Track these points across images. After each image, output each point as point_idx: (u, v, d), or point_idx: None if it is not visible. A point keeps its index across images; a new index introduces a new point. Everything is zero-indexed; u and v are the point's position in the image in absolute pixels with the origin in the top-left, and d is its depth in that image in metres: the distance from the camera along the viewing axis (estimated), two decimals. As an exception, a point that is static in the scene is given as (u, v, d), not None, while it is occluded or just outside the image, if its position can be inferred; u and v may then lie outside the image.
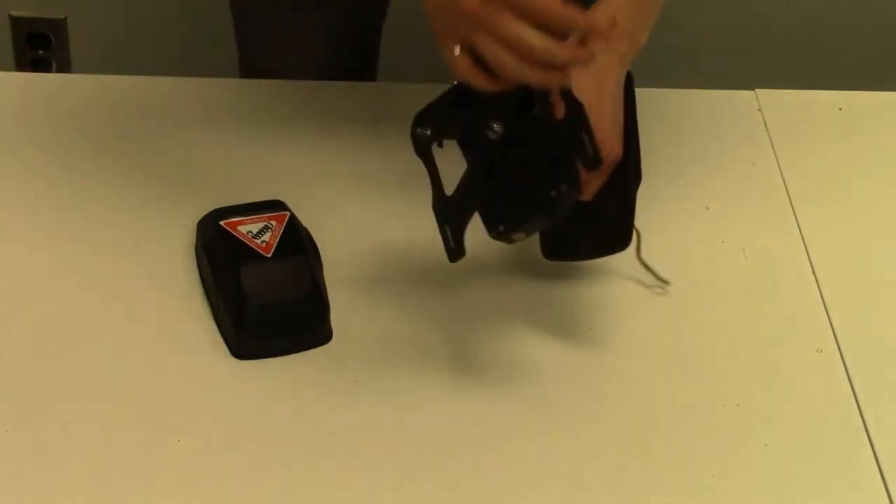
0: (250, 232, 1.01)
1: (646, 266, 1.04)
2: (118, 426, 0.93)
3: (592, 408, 0.97)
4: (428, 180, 0.91)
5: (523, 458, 0.93)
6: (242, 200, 1.05)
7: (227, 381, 0.97)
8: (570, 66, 0.84)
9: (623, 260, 1.03)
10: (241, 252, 1.00)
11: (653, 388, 0.99)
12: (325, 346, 1.00)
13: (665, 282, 1.05)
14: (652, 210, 1.05)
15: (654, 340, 1.02)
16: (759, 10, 2.03)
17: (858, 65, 2.06)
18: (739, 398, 0.98)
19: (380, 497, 0.90)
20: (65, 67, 2.09)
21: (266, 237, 1.01)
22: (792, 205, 1.16)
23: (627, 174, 0.96)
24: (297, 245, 1.02)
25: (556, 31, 0.83)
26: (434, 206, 0.91)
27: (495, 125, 0.86)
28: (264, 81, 1.28)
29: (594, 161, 0.86)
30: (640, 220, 1.01)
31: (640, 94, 1.01)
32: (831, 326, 1.04)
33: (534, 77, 0.83)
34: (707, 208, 1.15)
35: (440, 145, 0.89)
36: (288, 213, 1.03)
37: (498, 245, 1.07)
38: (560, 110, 0.87)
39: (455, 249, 0.90)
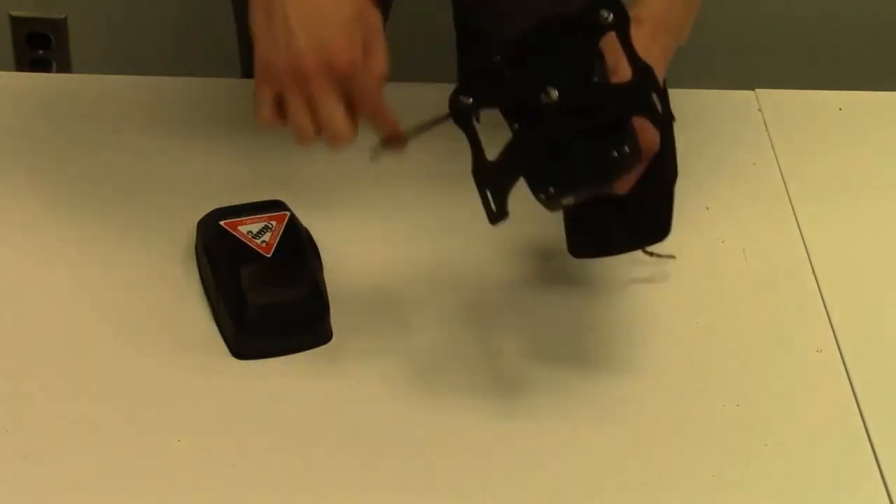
0: (250, 232, 1.01)
1: (649, 253, 1.03)
2: (118, 426, 0.93)
3: (592, 407, 0.97)
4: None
5: (523, 458, 0.93)
6: (242, 200, 1.05)
7: (227, 381, 0.97)
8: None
9: (623, 260, 1.03)
10: (241, 252, 1.00)
11: (653, 388, 0.99)
12: (325, 346, 1.00)
13: (671, 256, 1.04)
14: (652, 210, 1.05)
15: (654, 340, 1.02)
16: (759, 10, 2.03)
17: (858, 65, 2.06)
18: (739, 398, 0.98)
19: (380, 497, 0.90)
20: (65, 67, 2.09)
21: (266, 237, 1.01)
22: (792, 205, 1.16)
23: (664, 165, 0.96)
24: (297, 245, 1.02)
25: (367, 117, 0.91)
26: (474, 172, 0.90)
27: (551, 90, 0.87)
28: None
29: (666, 119, 0.87)
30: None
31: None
32: (831, 326, 1.04)
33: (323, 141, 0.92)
34: (707, 208, 1.15)
35: (477, 119, 0.90)
36: (288, 213, 1.03)
37: (498, 245, 1.07)
38: (623, 77, 0.87)
39: (497, 213, 0.89)
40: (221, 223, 1.02)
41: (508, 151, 0.89)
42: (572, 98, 0.87)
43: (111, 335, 1.00)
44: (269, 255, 1.00)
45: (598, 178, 0.88)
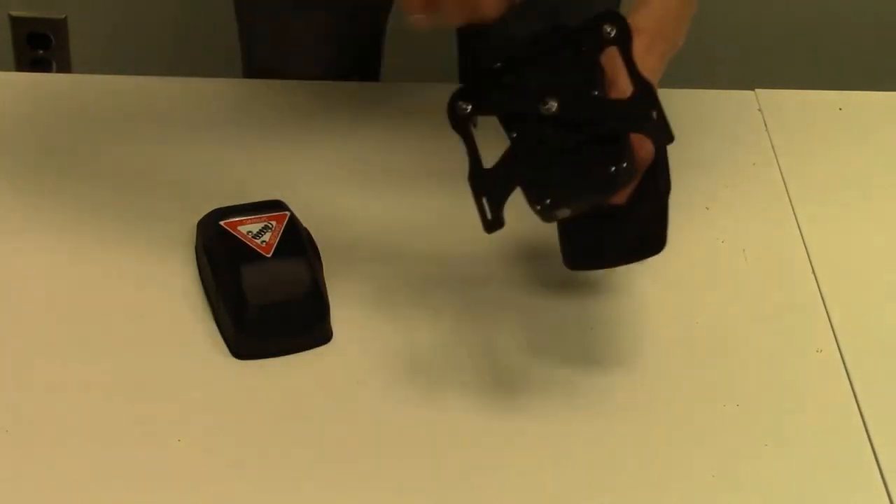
0: (250, 232, 1.01)
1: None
2: (118, 426, 0.93)
3: (592, 407, 0.97)
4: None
5: (523, 457, 0.93)
6: (242, 200, 1.05)
7: (227, 381, 0.97)
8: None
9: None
10: (241, 252, 1.00)
11: (653, 387, 0.99)
12: (325, 346, 1.00)
13: None
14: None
15: (654, 340, 1.02)
16: (759, 10, 2.04)
17: (858, 65, 2.06)
18: (739, 398, 0.98)
19: (380, 497, 0.90)
20: (65, 67, 2.09)
21: (266, 237, 1.01)
22: (792, 205, 1.16)
23: (657, 177, 0.97)
24: (297, 245, 1.02)
25: None
26: (470, 178, 0.90)
27: (550, 101, 0.87)
28: (265, 81, 1.28)
29: (666, 137, 0.87)
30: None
31: (640, 94, 1.01)
32: (831, 326, 1.04)
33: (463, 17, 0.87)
34: (707, 208, 1.15)
35: (475, 125, 0.90)
36: (288, 213, 1.03)
37: (499, 246, 1.07)
38: (623, 90, 0.87)
39: (492, 221, 0.89)
40: (221, 223, 1.02)
41: (505, 161, 0.89)
42: (572, 110, 0.87)
43: (111, 335, 1.00)
44: (269, 255, 1.00)
45: (595, 192, 0.88)
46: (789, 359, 1.02)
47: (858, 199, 1.18)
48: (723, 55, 1.98)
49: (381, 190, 1.13)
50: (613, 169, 0.87)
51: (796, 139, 1.24)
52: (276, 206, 1.04)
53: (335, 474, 0.91)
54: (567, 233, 0.98)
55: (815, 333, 1.04)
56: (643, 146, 0.90)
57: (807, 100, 1.30)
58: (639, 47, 0.87)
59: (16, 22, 2.07)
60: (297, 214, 1.04)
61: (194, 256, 1.05)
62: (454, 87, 0.90)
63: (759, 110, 1.27)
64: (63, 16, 2.06)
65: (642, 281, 1.06)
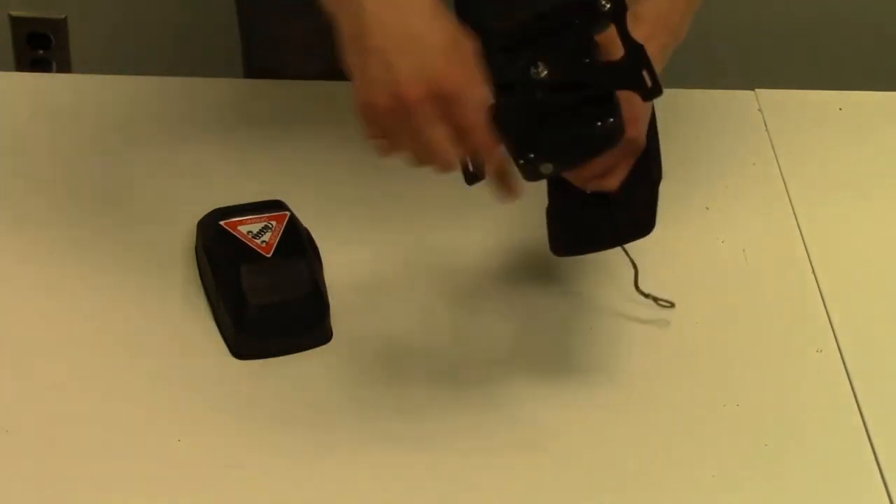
0: (250, 232, 1.01)
1: (646, 294, 1.03)
2: (118, 426, 0.93)
3: (592, 408, 0.97)
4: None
5: (522, 458, 0.93)
6: (242, 200, 1.05)
7: (227, 381, 0.97)
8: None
9: (623, 261, 1.03)
10: (241, 252, 1.00)
11: (653, 388, 0.99)
12: (325, 346, 1.00)
13: (670, 303, 1.04)
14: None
15: (654, 340, 1.02)
16: (759, 10, 2.03)
17: (858, 65, 2.05)
18: (739, 398, 0.98)
19: (380, 496, 0.90)
20: (65, 67, 2.09)
21: (266, 237, 1.01)
22: (792, 205, 1.16)
23: (650, 165, 0.96)
24: (297, 245, 1.02)
25: (473, 145, 0.86)
26: None
27: (541, 65, 0.87)
28: (265, 81, 1.28)
29: (654, 91, 0.87)
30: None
31: (640, 93, 1.01)
32: (831, 326, 1.04)
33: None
34: (707, 208, 1.15)
35: None
36: (288, 213, 1.03)
37: (500, 248, 1.07)
38: (615, 52, 0.87)
39: (474, 174, 0.89)
40: (221, 223, 1.02)
41: (492, 116, 0.89)
42: (562, 73, 0.87)
43: (111, 335, 1.00)
44: (269, 255, 1.00)
45: (580, 148, 0.89)
46: (789, 359, 1.02)
47: (858, 199, 1.18)
48: (723, 55, 1.98)
49: (382, 190, 1.13)
50: (599, 124, 0.87)
51: (796, 139, 1.24)
52: (276, 206, 1.04)
53: (335, 474, 0.91)
54: (558, 219, 0.99)
55: (815, 333, 1.04)
56: (634, 126, 0.90)
57: (807, 100, 1.30)
58: (639, 36, 0.87)
59: (16, 22, 2.07)
60: (297, 214, 1.04)
61: (194, 256, 1.05)
62: None
63: (759, 110, 1.27)
64: (63, 16, 2.06)
65: (642, 280, 1.06)
